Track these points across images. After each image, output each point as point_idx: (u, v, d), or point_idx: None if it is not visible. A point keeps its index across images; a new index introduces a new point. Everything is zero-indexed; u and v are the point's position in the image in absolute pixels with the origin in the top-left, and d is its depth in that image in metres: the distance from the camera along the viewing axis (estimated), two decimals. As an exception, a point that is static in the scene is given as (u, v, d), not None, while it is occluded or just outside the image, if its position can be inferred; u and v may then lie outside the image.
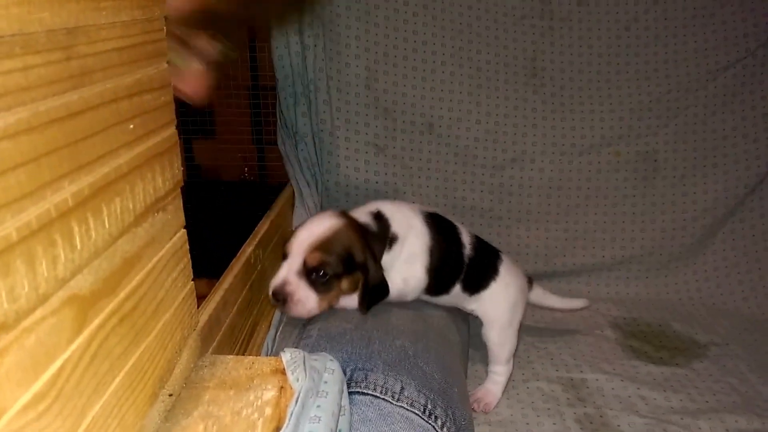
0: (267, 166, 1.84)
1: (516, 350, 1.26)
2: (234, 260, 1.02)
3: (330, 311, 1.05)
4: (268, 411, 0.63)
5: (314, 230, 0.97)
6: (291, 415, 0.59)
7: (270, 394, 0.67)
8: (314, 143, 1.56)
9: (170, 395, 0.65)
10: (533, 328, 1.49)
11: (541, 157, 1.66)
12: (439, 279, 1.09)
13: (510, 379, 1.24)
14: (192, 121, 1.90)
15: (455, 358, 1.12)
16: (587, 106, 1.66)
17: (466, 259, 1.13)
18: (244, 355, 1.02)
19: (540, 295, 1.36)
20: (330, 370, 0.72)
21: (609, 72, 1.66)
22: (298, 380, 0.67)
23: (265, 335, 1.11)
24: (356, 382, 0.85)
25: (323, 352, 0.75)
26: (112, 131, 0.51)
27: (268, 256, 1.22)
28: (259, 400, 0.65)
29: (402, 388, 0.86)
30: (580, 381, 1.29)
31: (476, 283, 1.15)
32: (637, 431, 1.14)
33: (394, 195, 1.60)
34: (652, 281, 1.67)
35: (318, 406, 0.64)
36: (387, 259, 1.04)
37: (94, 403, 0.47)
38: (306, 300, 0.96)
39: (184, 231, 0.69)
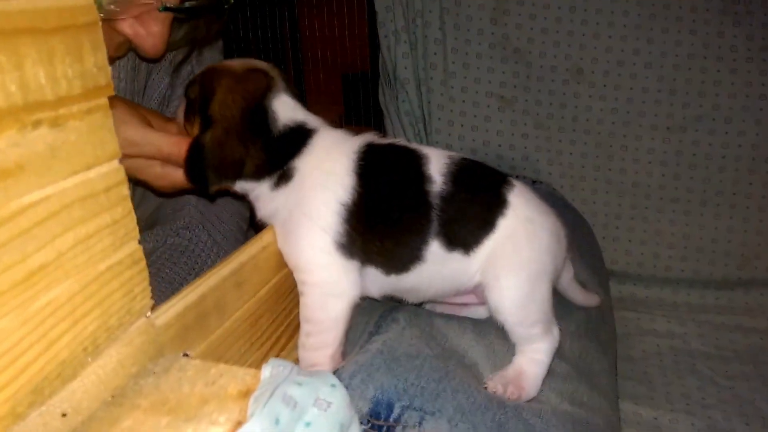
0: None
1: (667, 377, 0.89)
2: (270, 227, 0.80)
3: (413, 324, 0.79)
4: (195, 465, 0.40)
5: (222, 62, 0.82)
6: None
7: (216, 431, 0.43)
8: (419, 94, 1.30)
9: (63, 415, 0.44)
10: (714, 356, 1.09)
11: (742, 115, 1.23)
12: (382, 239, 0.73)
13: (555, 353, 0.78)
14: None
15: (598, 402, 0.80)
16: (820, 41, 1.19)
17: (436, 199, 0.72)
18: (278, 356, 0.80)
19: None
20: (323, 403, 0.46)
21: None
22: (253, 415, 0.42)
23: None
24: (403, 427, 0.59)
25: (325, 372, 0.50)
26: None
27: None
28: (194, 442, 0.42)
29: None
30: (785, 446, 0.89)
31: (470, 229, 0.74)
32: None
33: (524, 162, 1.29)
34: None
35: (272, 469, 0.39)
36: (269, 195, 0.76)
37: None
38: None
39: (114, 163, 0.48)
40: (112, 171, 0.47)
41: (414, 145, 0.78)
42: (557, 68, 1.28)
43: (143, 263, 0.52)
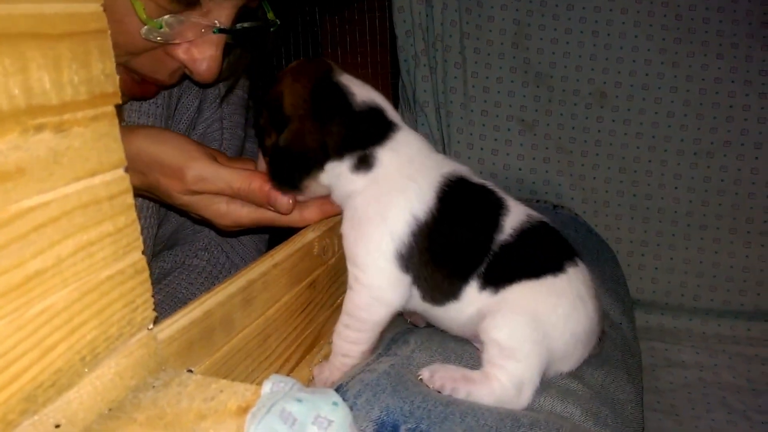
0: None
1: (696, 410, 0.84)
2: (282, 245, 0.79)
3: (424, 348, 0.77)
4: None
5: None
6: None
7: (211, 449, 0.42)
8: (438, 117, 1.29)
9: (57, 426, 0.43)
10: (745, 389, 1.04)
11: (773, 141, 1.20)
12: (434, 268, 0.71)
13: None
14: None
15: (623, 430, 0.75)
16: None
17: (495, 247, 0.70)
18: (288, 375, 0.78)
19: None
20: (324, 421, 0.45)
21: None
22: (248, 431, 0.41)
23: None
24: (406, 451, 0.57)
25: (327, 389, 0.48)
26: None
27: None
28: (186, 459, 0.41)
29: None
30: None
31: (511, 272, 0.70)
32: None
33: (545, 186, 1.26)
34: None
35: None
36: (348, 177, 0.73)
37: None
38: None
39: (119, 171, 0.48)
40: (116, 179, 0.47)
41: (504, 194, 0.76)
42: (580, 92, 1.26)
43: (146, 274, 0.51)
